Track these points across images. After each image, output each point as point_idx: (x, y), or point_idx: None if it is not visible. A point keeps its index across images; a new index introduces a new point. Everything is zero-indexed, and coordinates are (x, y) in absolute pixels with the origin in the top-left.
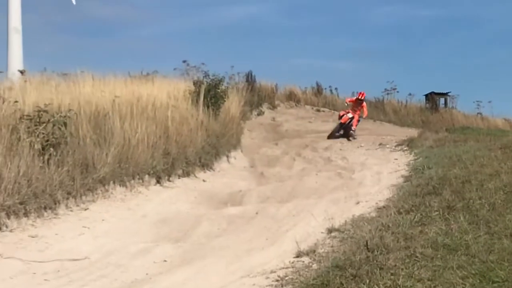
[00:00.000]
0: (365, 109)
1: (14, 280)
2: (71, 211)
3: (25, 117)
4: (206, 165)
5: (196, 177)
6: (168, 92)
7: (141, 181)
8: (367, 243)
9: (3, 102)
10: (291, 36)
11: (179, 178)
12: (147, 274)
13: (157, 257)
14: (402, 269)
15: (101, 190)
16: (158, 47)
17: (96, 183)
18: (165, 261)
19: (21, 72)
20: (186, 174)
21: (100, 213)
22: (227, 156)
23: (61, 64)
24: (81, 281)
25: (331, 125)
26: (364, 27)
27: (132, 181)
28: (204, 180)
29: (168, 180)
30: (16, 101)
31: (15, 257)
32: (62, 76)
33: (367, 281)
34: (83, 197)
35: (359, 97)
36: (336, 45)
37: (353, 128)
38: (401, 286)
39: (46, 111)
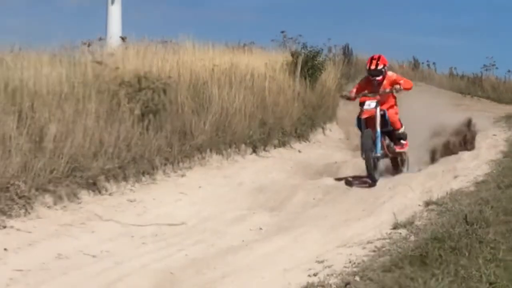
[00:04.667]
0: (402, 81)
1: (113, 242)
2: (169, 177)
3: (125, 83)
4: (301, 136)
5: (291, 147)
6: (265, 62)
7: (237, 150)
8: (466, 216)
9: (105, 68)
10: (388, 10)
11: (275, 148)
12: (243, 241)
13: (253, 225)
14: (502, 243)
15: (198, 158)
16: (256, 18)
17: (193, 150)
18: (261, 228)
19: (122, 38)
20: (282, 144)
21: (196, 180)
22: (323, 128)
23: (159, 33)
24: (178, 246)
25: (428, 100)
26: (462, 2)
27: (229, 150)
28: (299, 151)
29: (264, 150)
30: (117, 67)
31: (113, 220)
32: (162, 44)
33: (467, 253)
34: (180, 164)
35: (373, 67)
36: (433, 21)
37: (403, 149)
38: (501, 259)
39: (146, 78)
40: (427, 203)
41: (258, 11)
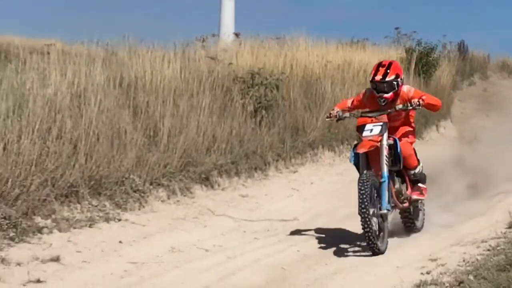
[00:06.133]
0: (424, 97)
1: (225, 236)
2: (281, 173)
3: (238, 79)
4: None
5: None
6: (379, 59)
7: (349, 146)
8: None
9: (218, 64)
10: (504, 7)
11: None
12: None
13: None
14: None
15: (310, 154)
16: (369, 15)
17: (306, 147)
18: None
19: (236, 35)
20: None
21: (308, 176)
22: (437, 126)
23: (272, 30)
24: (290, 241)
25: None
26: None
27: (341, 146)
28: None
29: None
30: (230, 63)
31: (226, 215)
32: (275, 40)
33: None
34: (292, 160)
35: (380, 78)
36: None
37: (421, 197)
38: None
39: (259, 74)
40: None
41: (371, 7)
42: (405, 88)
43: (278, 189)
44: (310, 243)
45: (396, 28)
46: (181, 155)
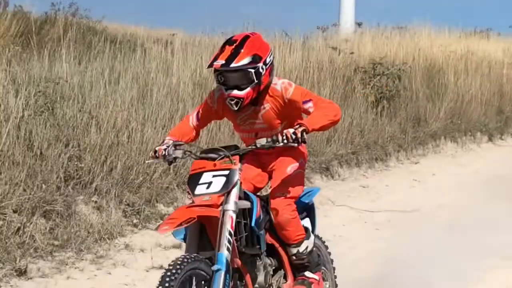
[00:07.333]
0: (311, 104)
1: (346, 227)
2: (402, 164)
3: (360, 68)
4: None
5: None
6: (503, 49)
7: (472, 138)
8: None
9: (339, 54)
10: None
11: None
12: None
13: (488, 214)
14: None
15: (431, 145)
16: (493, 4)
17: (427, 138)
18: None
19: (358, 24)
20: None
21: (430, 168)
22: None
23: (393, 19)
24: (411, 233)
25: None
26: None
27: (464, 138)
28: None
29: (501, 138)
30: (351, 53)
31: (346, 205)
32: (398, 30)
33: None
34: (414, 151)
35: (223, 63)
36: None
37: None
38: None
39: (381, 64)
40: None
41: None
42: (278, 84)
43: (399, 180)
44: (432, 235)
45: None
46: None
